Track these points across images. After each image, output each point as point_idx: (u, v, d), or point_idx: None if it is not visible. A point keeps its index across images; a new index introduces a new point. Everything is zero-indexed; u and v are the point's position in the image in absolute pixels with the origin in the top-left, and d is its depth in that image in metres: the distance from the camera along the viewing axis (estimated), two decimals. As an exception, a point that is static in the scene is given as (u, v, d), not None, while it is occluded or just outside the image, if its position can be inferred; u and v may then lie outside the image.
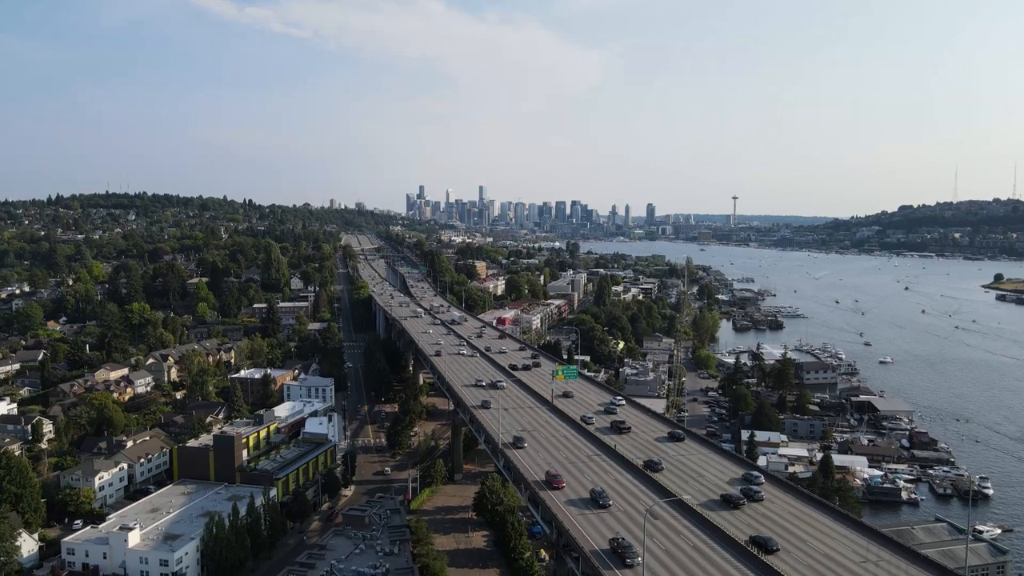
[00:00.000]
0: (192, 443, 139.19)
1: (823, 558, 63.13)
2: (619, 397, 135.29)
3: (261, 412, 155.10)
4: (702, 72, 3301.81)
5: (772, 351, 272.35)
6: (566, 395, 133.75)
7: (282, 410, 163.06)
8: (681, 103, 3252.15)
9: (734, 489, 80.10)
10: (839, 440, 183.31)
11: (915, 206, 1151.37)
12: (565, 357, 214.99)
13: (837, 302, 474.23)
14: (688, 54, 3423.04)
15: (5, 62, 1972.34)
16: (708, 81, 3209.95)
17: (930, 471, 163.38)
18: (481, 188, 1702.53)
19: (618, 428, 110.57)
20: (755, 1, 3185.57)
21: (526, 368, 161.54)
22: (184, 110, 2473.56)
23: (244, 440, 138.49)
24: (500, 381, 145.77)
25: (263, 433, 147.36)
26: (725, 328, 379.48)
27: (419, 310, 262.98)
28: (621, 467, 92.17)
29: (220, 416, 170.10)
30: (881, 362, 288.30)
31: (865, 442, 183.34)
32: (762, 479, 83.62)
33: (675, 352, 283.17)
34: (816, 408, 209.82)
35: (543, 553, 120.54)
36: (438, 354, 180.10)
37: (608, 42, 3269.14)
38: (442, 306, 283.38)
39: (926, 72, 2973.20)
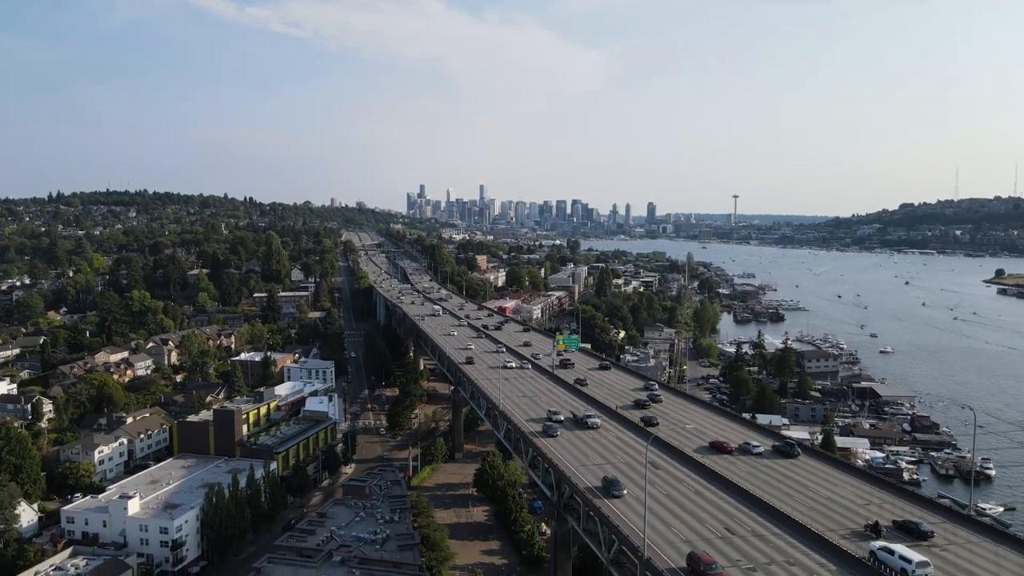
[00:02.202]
0: (192, 419, 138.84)
1: (676, 423, 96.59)
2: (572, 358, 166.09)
3: (261, 390, 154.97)
4: (702, 72, 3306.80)
5: (773, 341, 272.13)
6: (527, 344, 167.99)
7: (282, 389, 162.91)
8: (681, 103, 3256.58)
9: (643, 395, 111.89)
10: (840, 424, 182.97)
11: (916, 204, 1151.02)
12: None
13: (839, 296, 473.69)
14: (688, 54, 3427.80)
15: (5, 62, 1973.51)
16: (708, 81, 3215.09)
17: (932, 453, 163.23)
18: (482, 187, 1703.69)
19: (564, 364, 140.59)
20: (755, 1, 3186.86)
21: (497, 328, 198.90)
22: (184, 110, 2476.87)
23: (244, 416, 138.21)
24: (592, 416, 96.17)
25: (263, 410, 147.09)
26: (726, 320, 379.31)
27: (425, 302, 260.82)
28: (560, 385, 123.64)
29: (220, 396, 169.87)
30: (882, 352, 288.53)
31: (867, 426, 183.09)
32: (657, 386, 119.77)
33: (676, 341, 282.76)
34: (817, 394, 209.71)
35: (544, 527, 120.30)
36: (470, 361, 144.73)
37: (608, 42, 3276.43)
38: (433, 287, 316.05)
39: (926, 72, 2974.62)
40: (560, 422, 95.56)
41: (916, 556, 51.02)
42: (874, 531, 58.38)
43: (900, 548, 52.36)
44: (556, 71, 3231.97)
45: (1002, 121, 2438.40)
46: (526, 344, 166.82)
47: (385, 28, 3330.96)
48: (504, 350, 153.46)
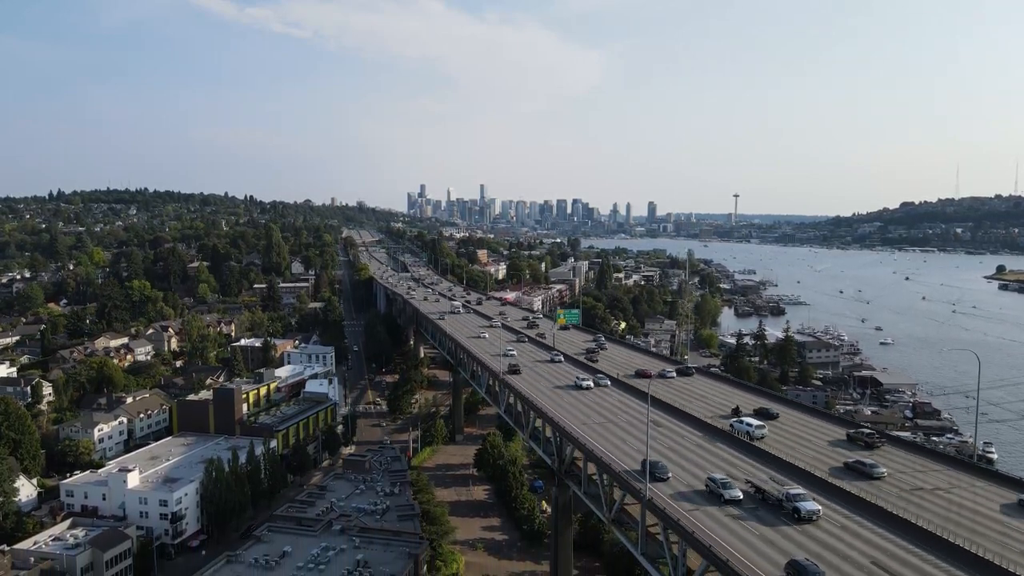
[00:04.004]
0: (192, 398, 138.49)
1: (610, 359, 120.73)
2: (537, 313, 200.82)
3: (261, 371, 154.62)
4: (702, 72, 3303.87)
5: (774, 332, 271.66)
6: (502, 313, 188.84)
7: (282, 371, 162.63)
8: (681, 103, 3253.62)
9: (592, 344, 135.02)
10: (842, 410, 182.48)
11: (917, 203, 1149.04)
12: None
13: (841, 292, 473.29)
14: (688, 54, 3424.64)
15: (5, 62, 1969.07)
16: (708, 81, 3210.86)
17: (934, 438, 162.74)
18: (482, 187, 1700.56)
19: (531, 324, 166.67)
20: (755, 1, 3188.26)
21: (478, 303, 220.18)
22: (184, 110, 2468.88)
23: (244, 396, 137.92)
24: (732, 487, 57.42)
25: (263, 391, 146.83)
26: (727, 314, 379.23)
27: (440, 298, 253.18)
28: (527, 339, 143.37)
29: (220, 379, 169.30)
30: (882, 343, 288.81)
31: (868, 412, 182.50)
32: (604, 339, 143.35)
33: (677, 332, 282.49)
34: (819, 383, 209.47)
35: (544, 504, 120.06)
36: (515, 371, 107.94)
37: (608, 42, 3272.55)
38: (428, 275, 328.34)
39: (926, 73, 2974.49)
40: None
41: (756, 422, 73.60)
42: (735, 413, 79.85)
43: (747, 419, 74.81)
44: (556, 71, 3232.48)
45: (1002, 121, 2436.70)
46: (501, 314, 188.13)
47: (385, 28, 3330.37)
48: (561, 358, 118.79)
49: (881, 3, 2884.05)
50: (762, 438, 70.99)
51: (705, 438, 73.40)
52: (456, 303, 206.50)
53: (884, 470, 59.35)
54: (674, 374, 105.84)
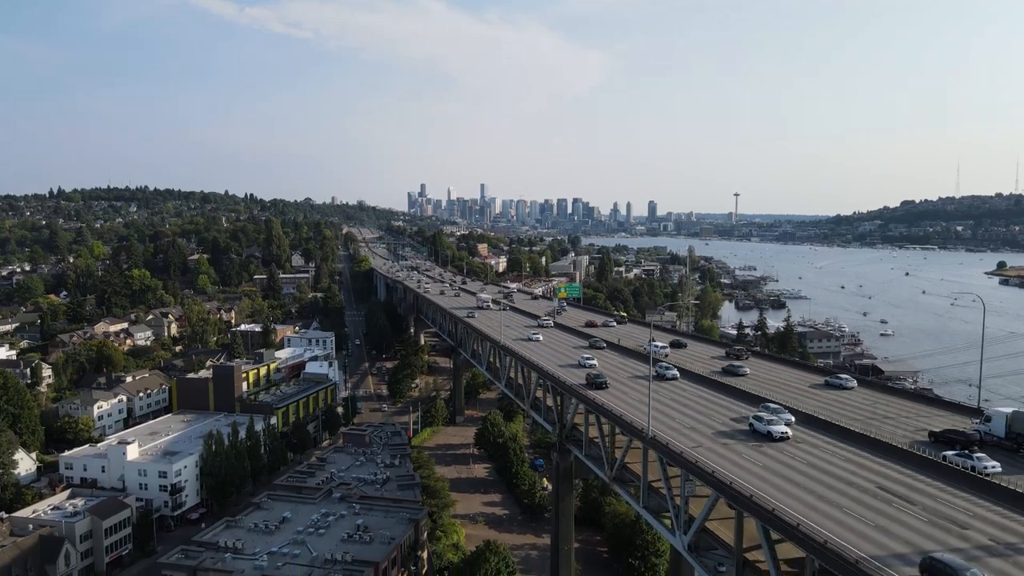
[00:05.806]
0: (192, 376, 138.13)
1: (570, 318, 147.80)
2: (512, 288, 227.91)
3: (261, 351, 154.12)
4: (703, 72, 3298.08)
5: (775, 324, 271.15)
6: (481, 290, 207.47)
7: (283, 353, 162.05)
8: (682, 103, 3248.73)
9: (556, 307, 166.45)
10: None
11: (917, 201, 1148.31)
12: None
13: (843, 287, 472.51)
14: (689, 54, 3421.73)
15: (5, 62, 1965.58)
16: (709, 81, 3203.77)
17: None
18: (482, 186, 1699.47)
19: (507, 296, 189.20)
20: (756, 1, 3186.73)
21: (464, 283, 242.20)
22: (184, 110, 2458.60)
23: (244, 375, 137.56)
24: None
25: (263, 371, 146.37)
26: (728, 308, 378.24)
27: (461, 293, 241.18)
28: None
29: (220, 361, 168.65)
30: (882, 335, 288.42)
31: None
32: (566, 306, 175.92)
33: (677, 323, 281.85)
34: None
35: (545, 482, 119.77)
36: (599, 384, 77.38)
37: (608, 42, 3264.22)
38: (424, 264, 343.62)
39: (927, 72, 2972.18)
40: None
41: (661, 344, 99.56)
42: (650, 343, 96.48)
43: (657, 343, 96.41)
44: (557, 71, 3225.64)
45: (1003, 119, 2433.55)
46: (481, 290, 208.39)
47: (385, 28, 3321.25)
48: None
49: (883, 3, 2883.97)
50: (666, 356, 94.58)
51: (626, 356, 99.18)
52: (484, 296, 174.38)
53: (747, 370, 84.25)
54: (614, 324, 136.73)
